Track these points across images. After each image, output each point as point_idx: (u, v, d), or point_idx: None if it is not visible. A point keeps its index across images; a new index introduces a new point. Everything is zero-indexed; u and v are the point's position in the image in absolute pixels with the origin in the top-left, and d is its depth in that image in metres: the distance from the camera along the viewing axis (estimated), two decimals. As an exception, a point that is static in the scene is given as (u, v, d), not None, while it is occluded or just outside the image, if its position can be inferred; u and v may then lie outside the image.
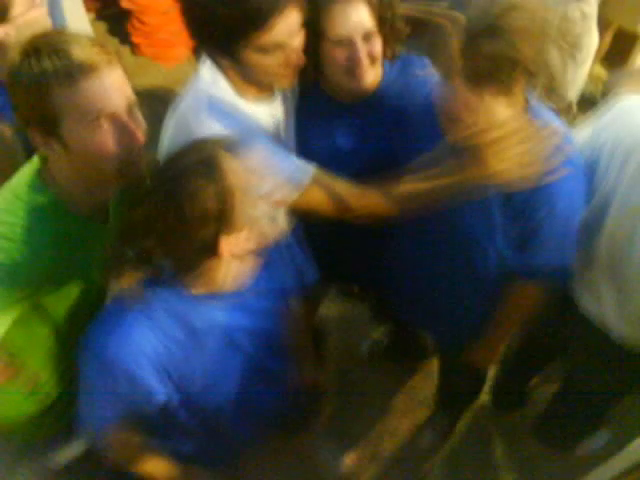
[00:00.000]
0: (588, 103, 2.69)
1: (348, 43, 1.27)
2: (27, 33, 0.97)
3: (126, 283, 1.02)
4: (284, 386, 1.35)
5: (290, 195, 1.21)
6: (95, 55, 0.95)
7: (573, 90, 2.53)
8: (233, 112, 1.23)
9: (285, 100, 1.38)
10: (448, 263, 1.43)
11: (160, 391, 1.08)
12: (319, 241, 1.44)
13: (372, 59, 1.30)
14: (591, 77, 2.83)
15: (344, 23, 1.25)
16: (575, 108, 2.68)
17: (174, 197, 0.93)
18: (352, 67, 1.29)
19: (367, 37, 1.27)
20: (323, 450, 1.99)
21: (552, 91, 2.43)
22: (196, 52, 1.26)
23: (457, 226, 1.33)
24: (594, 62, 2.74)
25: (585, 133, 1.39)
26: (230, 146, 0.99)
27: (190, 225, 0.94)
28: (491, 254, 1.32)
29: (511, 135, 1.12)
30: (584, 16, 2.27)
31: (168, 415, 1.14)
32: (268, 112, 1.31)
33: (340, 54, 1.28)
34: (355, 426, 2.12)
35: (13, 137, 1.27)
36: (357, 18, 1.25)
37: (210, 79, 1.24)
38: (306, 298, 1.39)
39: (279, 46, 1.15)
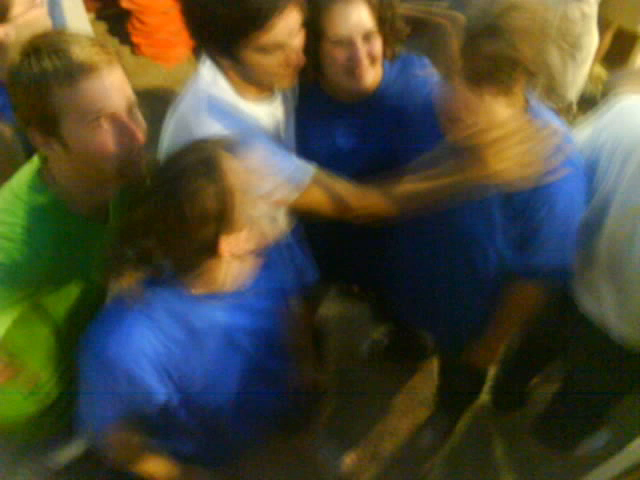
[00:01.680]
0: (588, 103, 2.68)
1: (348, 43, 1.27)
2: (27, 33, 0.97)
3: (126, 283, 1.02)
4: (284, 386, 1.35)
5: (290, 195, 1.20)
6: (95, 55, 0.95)
7: (573, 90, 2.53)
8: (233, 112, 1.23)
9: (285, 100, 1.37)
10: (448, 263, 1.43)
11: (160, 391, 1.08)
12: (319, 241, 1.44)
13: (372, 59, 1.30)
14: (591, 77, 2.83)
15: (344, 23, 1.25)
16: (575, 108, 2.68)
17: (174, 197, 0.93)
18: (352, 67, 1.29)
19: (367, 37, 1.27)
20: (323, 450, 2.00)
21: (552, 91, 2.43)
22: (196, 52, 1.27)
23: (457, 226, 1.33)
24: (594, 62, 2.74)
25: (585, 133, 1.39)
26: (230, 146, 0.99)
27: (190, 225, 0.94)
28: (491, 254, 1.32)
29: (511, 135, 1.12)
30: (584, 16, 2.27)
31: (168, 415, 1.14)
32: (268, 112, 1.31)
33: (340, 54, 1.28)
34: (355, 426, 2.12)
35: (13, 137, 1.27)
36: (357, 18, 1.25)
37: (210, 79, 1.24)
38: (306, 298, 1.39)
39: (279, 46, 1.15)
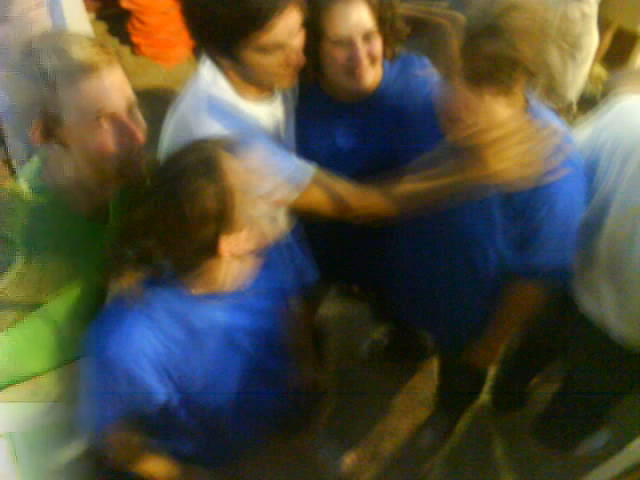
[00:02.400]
0: (588, 103, 2.68)
1: (348, 43, 1.27)
2: (27, 33, 0.97)
3: (126, 283, 1.02)
4: (284, 386, 1.35)
5: (290, 195, 1.21)
6: (95, 55, 0.95)
7: (573, 90, 2.53)
8: (233, 112, 1.23)
9: (285, 100, 1.37)
10: (448, 263, 1.43)
11: (160, 391, 1.08)
12: (319, 241, 1.44)
13: (372, 59, 1.30)
14: (591, 77, 2.83)
15: (344, 23, 1.25)
16: (575, 108, 2.68)
17: (174, 197, 0.93)
18: (352, 67, 1.29)
19: (367, 37, 1.27)
20: (323, 450, 2.00)
21: (552, 91, 2.43)
22: (196, 52, 1.26)
23: (457, 226, 1.33)
24: (594, 62, 2.74)
25: (585, 133, 1.39)
26: (230, 146, 0.99)
27: (190, 225, 0.94)
28: (491, 254, 1.32)
29: (511, 135, 1.12)
30: (584, 16, 2.27)
31: (168, 415, 1.14)
32: (268, 112, 1.31)
33: (340, 54, 1.28)
34: (355, 426, 2.12)
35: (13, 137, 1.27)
36: (357, 18, 1.25)
37: (210, 79, 1.24)
38: (306, 298, 1.39)
39: (279, 46, 1.15)
